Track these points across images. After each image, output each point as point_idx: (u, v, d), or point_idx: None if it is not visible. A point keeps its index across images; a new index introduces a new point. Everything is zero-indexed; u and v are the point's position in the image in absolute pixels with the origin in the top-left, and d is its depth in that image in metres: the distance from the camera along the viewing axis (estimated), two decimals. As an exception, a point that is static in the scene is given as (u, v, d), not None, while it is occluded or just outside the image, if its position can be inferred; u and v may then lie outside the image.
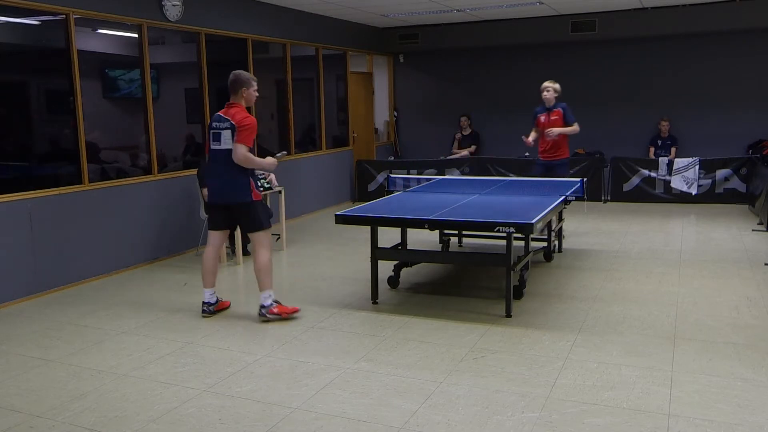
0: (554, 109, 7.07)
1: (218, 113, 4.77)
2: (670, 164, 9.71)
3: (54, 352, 4.34)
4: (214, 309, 4.97)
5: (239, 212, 4.80)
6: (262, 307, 4.82)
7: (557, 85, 7.11)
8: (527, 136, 7.22)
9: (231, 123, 4.65)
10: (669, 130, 10.31)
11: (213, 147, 4.74)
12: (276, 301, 4.86)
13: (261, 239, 4.79)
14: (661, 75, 10.41)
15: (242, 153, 4.62)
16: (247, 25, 8.16)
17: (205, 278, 4.93)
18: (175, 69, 7.74)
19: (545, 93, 7.08)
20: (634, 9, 9.77)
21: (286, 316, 4.82)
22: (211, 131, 4.75)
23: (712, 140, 10.14)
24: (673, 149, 10.22)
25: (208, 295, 4.95)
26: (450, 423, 3.21)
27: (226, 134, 4.66)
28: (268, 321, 4.79)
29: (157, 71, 7.10)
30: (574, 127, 7.05)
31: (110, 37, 6.79)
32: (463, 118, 11.37)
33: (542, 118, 7.12)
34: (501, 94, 11.36)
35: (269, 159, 4.93)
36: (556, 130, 6.91)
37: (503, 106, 11.30)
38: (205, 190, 6.67)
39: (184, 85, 7.75)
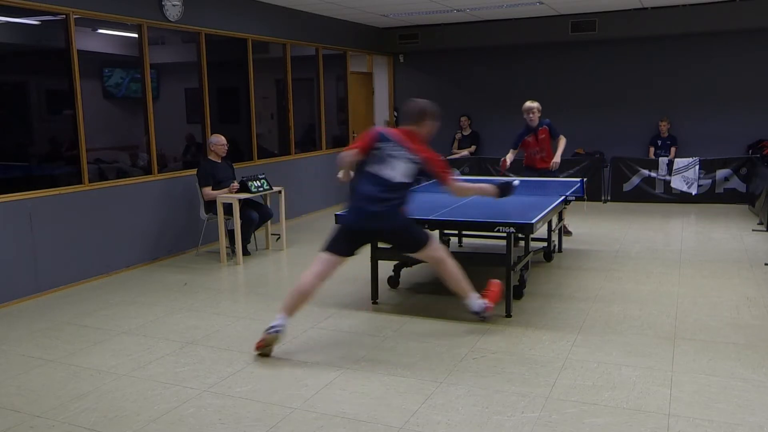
0: (540, 128, 7.17)
1: (386, 133, 4.26)
2: (670, 164, 9.71)
3: (54, 352, 4.34)
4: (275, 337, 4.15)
5: (395, 236, 4.34)
6: (477, 313, 4.51)
7: (539, 104, 7.20)
8: (504, 159, 7.27)
9: (416, 158, 4.16)
10: (669, 130, 10.31)
11: (376, 172, 4.16)
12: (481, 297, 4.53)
13: (436, 250, 4.36)
14: (661, 75, 10.41)
15: (457, 185, 4.35)
16: (247, 25, 8.16)
17: (295, 303, 4.18)
18: (175, 69, 7.74)
19: (530, 115, 7.14)
20: (634, 9, 9.77)
21: (496, 299, 4.55)
22: (375, 151, 4.17)
23: (712, 140, 10.14)
24: (672, 149, 10.22)
25: (279, 320, 4.13)
26: (450, 423, 3.21)
27: (401, 165, 4.15)
28: (485, 320, 4.55)
29: (157, 71, 7.10)
30: (563, 141, 7.22)
31: (110, 37, 6.79)
32: (463, 118, 11.37)
33: (530, 139, 7.19)
34: (501, 94, 11.36)
35: (488, 186, 4.54)
36: (558, 159, 7.14)
37: (503, 106, 11.28)
38: (207, 189, 6.73)
39: (184, 85, 7.75)
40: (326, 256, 4.24)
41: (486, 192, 4.60)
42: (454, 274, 4.41)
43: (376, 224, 4.22)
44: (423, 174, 4.28)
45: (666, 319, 4.64)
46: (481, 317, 4.54)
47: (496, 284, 4.61)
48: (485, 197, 4.71)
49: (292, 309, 4.17)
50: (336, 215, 5.15)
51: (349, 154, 4.24)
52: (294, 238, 7.76)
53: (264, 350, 4.14)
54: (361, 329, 4.62)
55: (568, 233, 7.47)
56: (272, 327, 4.09)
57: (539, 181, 6.83)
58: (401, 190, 4.21)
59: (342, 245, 4.28)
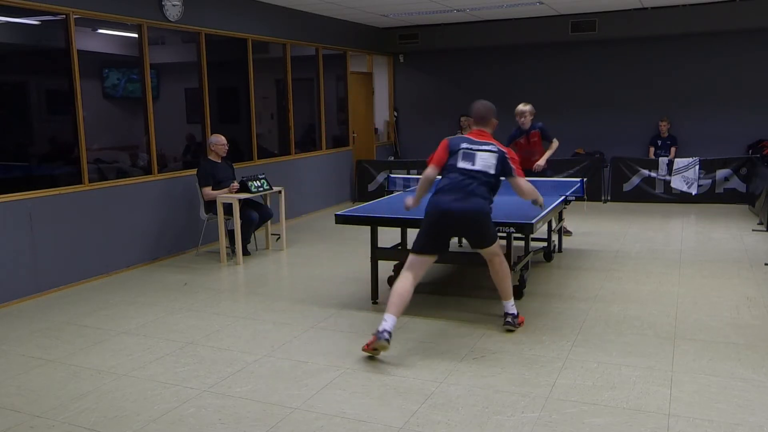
0: (532, 131, 7.19)
1: (466, 136, 4.49)
2: (670, 164, 9.71)
3: (54, 352, 4.34)
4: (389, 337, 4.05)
5: (478, 228, 4.35)
6: (512, 316, 4.53)
7: (531, 107, 7.20)
8: None
9: (499, 150, 4.39)
10: (669, 130, 10.31)
11: (463, 166, 4.33)
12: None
13: (498, 249, 4.48)
14: (661, 75, 10.41)
15: (528, 185, 4.52)
16: (247, 25, 8.16)
17: (397, 306, 4.14)
18: (175, 69, 7.74)
19: (522, 119, 7.13)
20: (634, 9, 9.77)
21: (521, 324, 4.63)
22: (461, 150, 4.37)
23: (712, 140, 10.14)
24: (672, 149, 10.22)
25: (390, 324, 4.05)
26: (450, 423, 3.21)
27: (487, 157, 4.33)
28: (512, 331, 4.51)
29: (157, 71, 7.10)
30: (555, 144, 7.25)
31: (110, 37, 6.79)
32: (463, 118, 11.34)
33: (522, 141, 7.20)
34: (501, 94, 11.32)
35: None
36: (543, 162, 7.13)
37: (503, 106, 11.12)
38: (207, 189, 6.73)
39: (184, 85, 7.75)
40: (421, 258, 4.35)
41: (536, 197, 4.69)
42: (508, 271, 4.54)
43: (469, 215, 4.29)
44: (504, 167, 4.40)
45: (666, 319, 4.64)
46: (509, 321, 4.50)
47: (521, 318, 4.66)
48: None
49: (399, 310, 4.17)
50: (336, 215, 5.14)
51: (429, 175, 4.47)
52: (294, 238, 7.76)
53: (372, 353, 4.09)
54: (361, 329, 4.62)
55: (568, 233, 7.47)
56: (382, 331, 4.00)
57: (539, 181, 6.82)
58: (488, 180, 4.35)
59: (438, 243, 4.39)
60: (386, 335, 3.98)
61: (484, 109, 4.58)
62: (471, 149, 4.39)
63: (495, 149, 4.39)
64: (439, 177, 4.46)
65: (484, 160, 4.34)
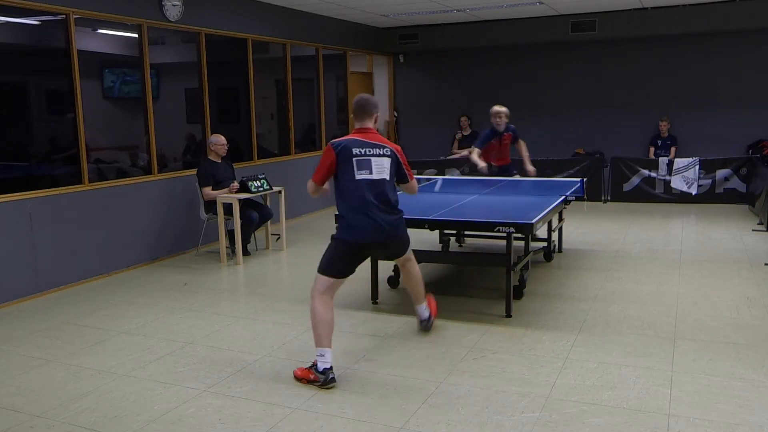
0: (505, 133, 7.22)
1: (354, 138, 3.99)
2: (670, 164, 9.71)
3: (54, 352, 4.34)
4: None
5: (399, 243, 4.19)
6: (427, 320, 4.51)
7: (507, 110, 7.23)
8: (478, 165, 7.15)
9: (390, 150, 4.02)
10: (669, 130, 10.31)
11: (361, 177, 3.89)
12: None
13: (411, 253, 4.35)
14: (661, 75, 10.41)
15: (415, 185, 4.27)
16: (247, 25, 8.16)
17: (327, 335, 3.78)
18: (175, 69, 7.74)
19: (497, 119, 7.14)
20: (634, 9, 9.77)
21: (436, 313, 4.62)
22: (355, 159, 3.89)
23: (712, 140, 10.14)
24: (672, 149, 10.22)
25: (329, 357, 3.74)
26: (450, 423, 3.21)
27: (382, 162, 3.95)
28: (428, 331, 4.54)
29: (157, 71, 7.10)
30: (525, 146, 7.34)
31: (110, 37, 6.79)
32: (463, 118, 11.37)
33: (494, 142, 7.21)
34: (501, 94, 11.30)
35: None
36: (531, 169, 7.21)
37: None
38: (207, 189, 6.73)
39: (184, 85, 7.75)
40: (333, 281, 3.93)
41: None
42: (419, 276, 4.43)
43: (393, 236, 4.05)
44: (399, 170, 4.09)
45: (666, 319, 4.64)
46: (424, 325, 4.52)
47: (433, 301, 4.63)
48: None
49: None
50: (336, 215, 5.13)
51: (312, 188, 4.07)
52: (294, 238, 7.76)
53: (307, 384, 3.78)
54: (361, 329, 4.62)
55: None
56: (329, 369, 3.72)
57: (539, 181, 6.85)
58: (390, 188, 4.03)
59: (352, 265, 4.00)
60: (332, 375, 3.69)
61: (365, 101, 4.10)
62: (364, 154, 3.92)
63: (388, 152, 4.01)
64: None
65: (380, 166, 3.95)
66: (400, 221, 4.10)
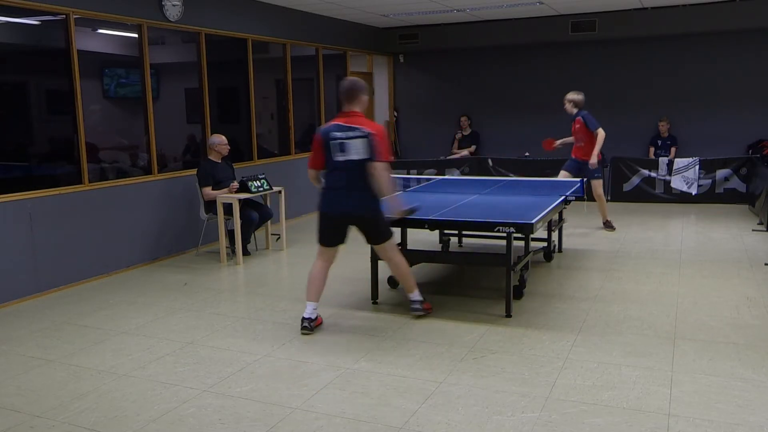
0: (576, 117, 7.54)
1: (335, 123, 4.39)
2: (670, 164, 9.71)
3: (54, 352, 4.34)
4: (314, 325, 4.55)
5: (369, 225, 4.51)
6: (415, 302, 4.80)
7: (576, 96, 7.52)
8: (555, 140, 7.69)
9: (364, 131, 4.30)
10: (669, 130, 10.31)
11: (338, 159, 4.35)
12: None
13: (392, 247, 4.63)
14: (661, 75, 10.41)
15: (388, 170, 4.36)
16: (247, 25, 8.16)
17: (311, 291, 4.56)
18: (175, 69, 7.74)
19: (565, 105, 7.55)
20: (634, 9, 9.77)
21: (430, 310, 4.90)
22: (331, 142, 4.34)
23: (712, 140, 10.14)
24: (672, 149, 10.22)
25: (310, 310, 4.54)
26: (450, 423, 3.21)
27: (356, 144, 4.30)
28: (421, 317, 4.80)
29: (157, 71, 7.10)
30: (599, 138, 7.40)
31: (110, 37, 6.79)
32: (463, 118, 11.37)
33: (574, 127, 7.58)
34: (501, 94, 11.36)
35: (398, 201, 4.66)
36: (595, 160, 7.39)
37: (503, 106, 11.28)
38: (207, 189, 6.73)
39: (184, 85, 7.75)
40: (324, 249, 4.62)
41: (393, 203, 4.56)
42: (406, 268, 4.73)
43: (358, 211, 4.45)
44: (371, 149, 4.32)
45: (666, 319, 4.64)
46: (416, 308, 4.79)
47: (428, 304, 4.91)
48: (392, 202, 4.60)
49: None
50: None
51: (311, 175, 4.59)
52: (294, 238, 7.76)
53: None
54: (361, 329, 4.62)
55: (612, 228, 7.75)
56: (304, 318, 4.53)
57: (539, 181, 6.85)
58: (364, 168, 4.33)
59: (334, 236, 4.58)
60: (305, 324, 4.48)
61: (349, 86, 4.40)
62: (341, 138, 4.34)
63: (363, 132, 4.30)
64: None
65: (356, 148, 4.32)
66: (370, 200, 4.39)
